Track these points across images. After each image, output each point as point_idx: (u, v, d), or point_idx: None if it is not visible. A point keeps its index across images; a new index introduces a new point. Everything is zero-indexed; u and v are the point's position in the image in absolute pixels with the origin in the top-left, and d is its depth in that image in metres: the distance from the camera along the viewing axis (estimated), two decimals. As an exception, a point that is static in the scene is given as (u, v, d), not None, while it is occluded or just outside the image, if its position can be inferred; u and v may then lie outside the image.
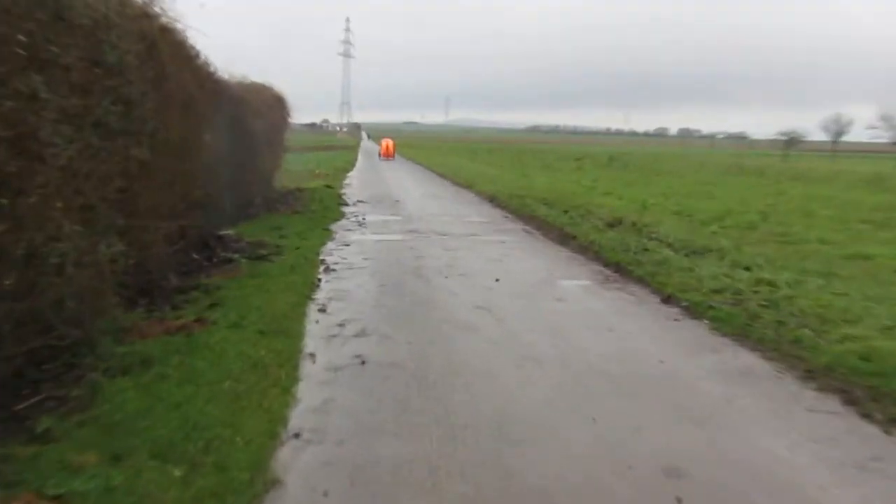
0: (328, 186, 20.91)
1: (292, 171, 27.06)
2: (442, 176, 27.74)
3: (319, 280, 8.02)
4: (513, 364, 5.40)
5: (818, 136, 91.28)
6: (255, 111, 12.52)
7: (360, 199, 17.75)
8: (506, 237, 11.70)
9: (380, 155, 43.23)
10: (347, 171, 31.32)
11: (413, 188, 22.07)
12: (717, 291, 7.41)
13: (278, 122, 15.43)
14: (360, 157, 48.40)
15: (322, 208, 15.21)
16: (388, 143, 43.16)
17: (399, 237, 11.48)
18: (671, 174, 29.85)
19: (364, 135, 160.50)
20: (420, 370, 5.19)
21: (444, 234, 11.89)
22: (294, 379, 4.92)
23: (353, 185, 22.98)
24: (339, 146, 74.90)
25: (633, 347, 5.88)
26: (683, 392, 4.93)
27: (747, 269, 8.50)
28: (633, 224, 12.59)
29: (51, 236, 4.22)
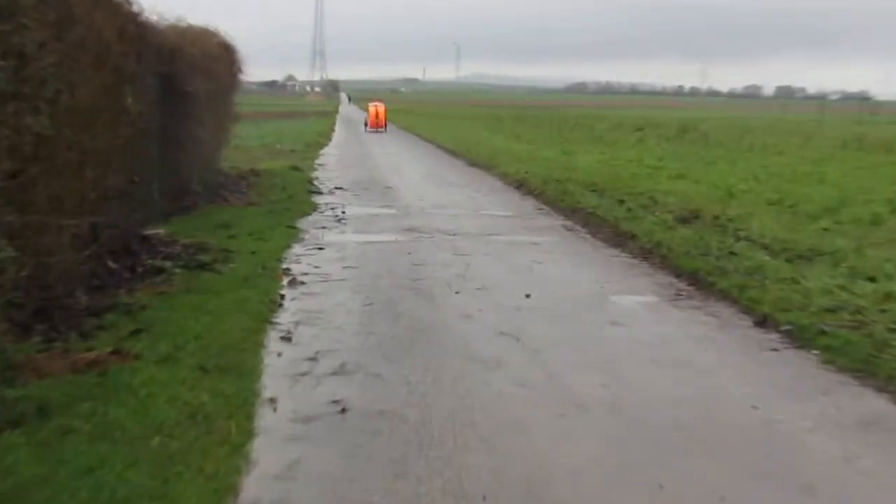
0: (294, 168, 21.22)
1: (245, 147, 27.30)
2: (452, 153, 28.09)
3: (283, 297, 8.17)
4: (550, 412, 5.44)
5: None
6: (195, 66, 12.66)
7: (338, 185, 17.98)
8: (540, 237, 11.94)
9: (366, 125, 43.95)
10: (321, 146, 31.68)
11: (412, 170, 22.30)
12: (830, 311, 7.53)
13: (226, 81, 15.54)
14: (338, 128, 48.71)
15: (286, 198, 15.39)
16: (377, 108, 43.57)
17: (392, 238, 11.65)
18: (766, 150, 29.86)
19: (344, 97, 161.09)
20: (422, 421, 5.23)
21: (455, 234, 12.02)
22: (248, 434, 4.95)
23: (330, 165, 23.24)
24: (309, 112, 75.43)
25: (714, 388, 5.95)
26: (784, 449, 4.95)
27: (872, 279, 8.66)
28: (715, 218, 12.68)
29: None
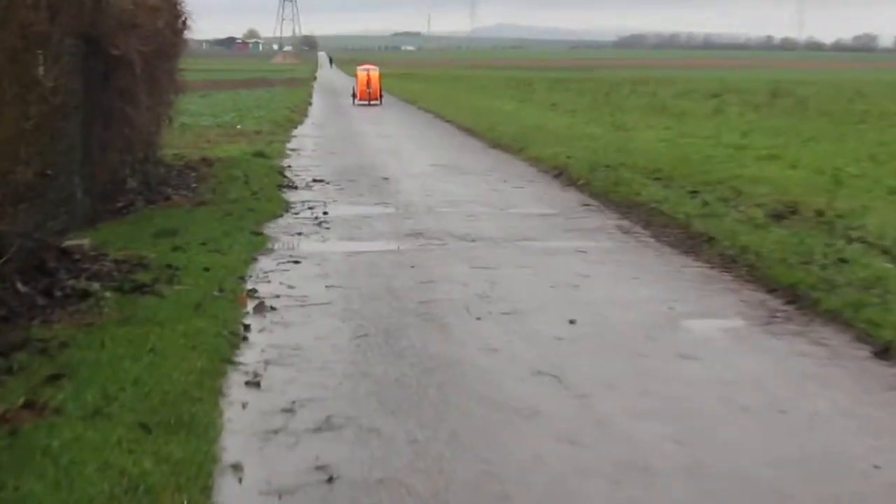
0: (259, 155, 21.44)
1: (195, 127, 27.54)
2: (468, 132, 28.31)
3: (247, 328, 8.24)
4: (604, 478, 5.43)
5: None
6: (127, 21, 12.72)
7: (318, 176, 18.22)
8: (587, 242, 12.04)
9: (354, 97, 44.48)
10: (295, 125, 31.94)
11: (415, 155, 22.52)
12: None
13: (167, 40, 15.58)
14: (317, 100, 48.86)
15: (249, 195, 15.51)
16: (369, 74, 43.80)
17: (390, 246, 11.76)
18: (885, 120, 29.75)
19: (324, 59, 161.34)
20: (435, 493, 5.21)
21: (474, 240, 12.11)
22: (204, 513, 4.93)
23: (306, 150, 23.46)
24: (277, 80, 75.54)
25: (824, 444, 5.92)
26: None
27: None
28: (819, 214, 12.70)
29: None
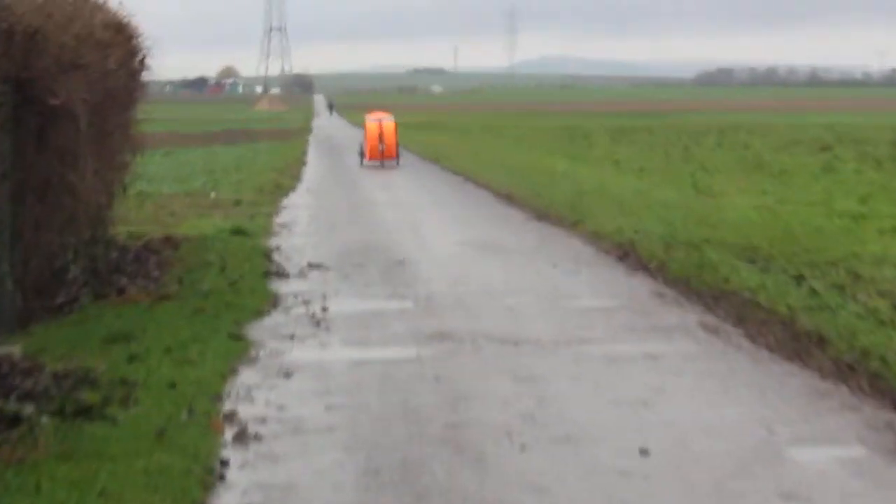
0: (239, 232, 21.49)
1: (155, 195, 27.78)
2: (507, 199, 28.33)
3: (225, 464, 8.22)
4: None
5: None
6: (65, 60, 12.76)
7: (314, 260, 18.27)
8: (661, 344, 12.05)
9: (362, 155, 43.85)
10: (285, 192, 32.01)
11: (440, 230, 22.67)
12: None
13: (120, 84, 15.58)
14: (313, 159, 48.58)
15: (226, 286, 15.48)
16: (381, 126, 42.65)
17: (409, 352, 11.79)
18: None
19: (321, 103, 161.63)
20: None
21: (517, 343, 12.12)
22: None
23: (300, 225, 23.59)
24: (262, 132, 76.08)
25: None
26: None
27: None
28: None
29: None
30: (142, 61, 16.57)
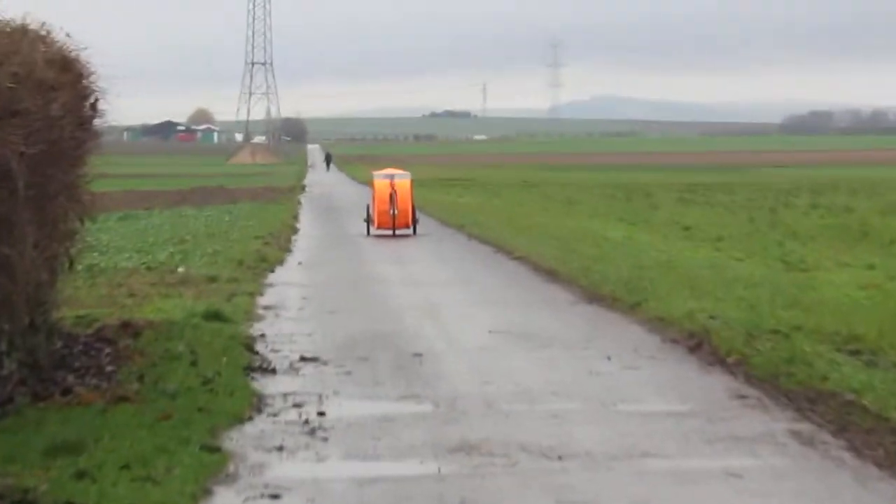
0: (214, 316, 20.40)
1: (110, 270, 26.84)
2: (549, 275, 27.42)
3: None
4: None
5: None
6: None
7: (308, 351, 17.37)
8: (743, 458, 11.44)
9: (370, 221, 40.30)
10: (270, 266, 31.15)
11: (464, 314, 21.59)
12: None
13: (65, 133, 14.98)
14: (306, 224, 48.68)
15: (198, 384, 14.61)
16: (393, 185, 39.45)
17: (427, 468, 11.24)
18: None
19: (316, 154, 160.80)
20: None
21: (562, 457, 11.36)
22: None
23: (289, 308, 22.48)
24: (243, 191, 76.68)
25: None
26: None
27: None
28: None
29: None
30: (94, 105, 15.74)
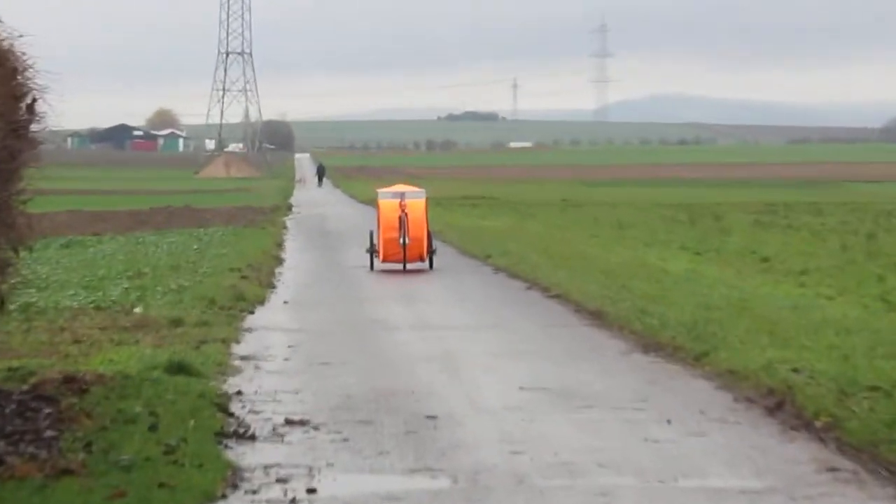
0: (179, 369, 18.44)
1: (50, 311, 25.42)
2: (592, 318, 24.97)
3: None
4: None
5: None
6: None
7: (294, 413, 16.02)
8: None
9: (374, 252, 36.53)
10: (249, 306, 27.84)
11: (489, 367, 19.82)
12: None
13: None
14: (294, 253, 44.74)
15: (159, 453, 13.46)
16: (403, 206, 35.60)
17: None
18: None
19: (306, 166, 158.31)
20: None
21: None
22: None
23: (272, 359, 20.82)
24: (214, 212, 75.47)
25: None
26: None
27: None
28: None
29: None
30: (31, 107, 14.87)
